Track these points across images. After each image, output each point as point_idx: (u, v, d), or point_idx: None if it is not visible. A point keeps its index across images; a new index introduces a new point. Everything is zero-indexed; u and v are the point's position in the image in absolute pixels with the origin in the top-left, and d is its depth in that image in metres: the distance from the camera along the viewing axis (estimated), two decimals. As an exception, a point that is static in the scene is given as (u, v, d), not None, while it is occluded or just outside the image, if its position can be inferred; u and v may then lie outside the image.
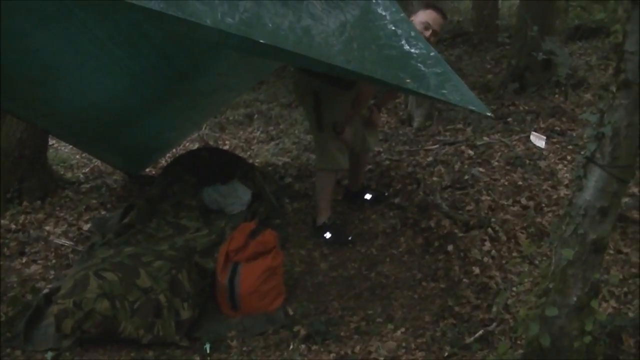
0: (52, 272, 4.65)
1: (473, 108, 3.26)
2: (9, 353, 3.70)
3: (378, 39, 2.91)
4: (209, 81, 5.04)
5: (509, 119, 7.03)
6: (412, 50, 3.15)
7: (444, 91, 3.17)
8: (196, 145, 7.21)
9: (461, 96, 3.23)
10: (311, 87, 4.68)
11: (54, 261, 4.79)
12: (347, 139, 4.81)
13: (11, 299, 4.14)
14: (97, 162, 6.69)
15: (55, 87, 4.42)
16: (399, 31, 3.13)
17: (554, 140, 6.35)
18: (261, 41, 2.69)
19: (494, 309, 3.87)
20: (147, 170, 6.48)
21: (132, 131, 5.34)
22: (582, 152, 4.21)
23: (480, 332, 3.68)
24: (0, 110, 5.18)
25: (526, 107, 7.35)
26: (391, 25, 3.10)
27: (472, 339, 3.64)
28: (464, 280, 4.23)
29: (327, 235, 4.93)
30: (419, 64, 3.14)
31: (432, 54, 3.20)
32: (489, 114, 3.14)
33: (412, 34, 3.18)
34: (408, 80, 3.03)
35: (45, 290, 4.25)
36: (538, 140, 3.12)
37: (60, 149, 7.06)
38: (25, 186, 5.58)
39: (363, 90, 4.69)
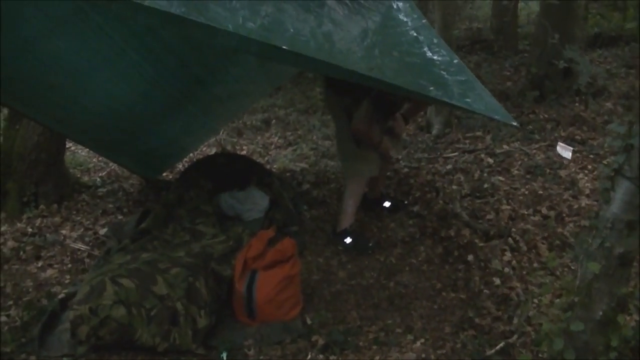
0: (68, 276, 4.62)
1: (497, 117, 3.20)
2: (24, 359, 3.67)
3: (400, 46, 2.86)
4: (226, 87, 5.01)
5: (529, 127, 6.96)
6: (435, 57, 3.10)
7: (468, 100, 3.11)
8: (213, 150, 7.19)
9: (485, 105, 3.18)
10: (343, 104, 4.71)
11: (69, 265, 4.77)
12: (383, 148, 4.83)
13: (26, 303, 4.12)
14: (113, 166, 6.67)
15: (72, 92, 4.40)
16: (421, 38, 3.08)
17: (575, 149, 6.26)
18: (283, 47, 2.66)
19: (515, 321, 3.81)
20: (164, 174, 6.44)
21: (149, 136, 5.31)
22: (605, 162, 4.13)
23: (502, 344, 3.62)
24: (17, 113, 5.17)
25: (546, 116, 7.29)
26: (413, 31, 3.05)
27: (493, 351, 3.58)
28: (485, 291, 4.17)
29: (348, 240, 4.89)
30: (441, 72, 3.09)
31: (455, 61, 3.15)
32: (514, 124, 3.09)
33: (435, 40, 3.13)
34: (431, 88, 2.98)
35: (61, 295, 4.22)
36: (564, 151, 3.05)
37: (77, 152, 7.05)
38: (42, 190, 5.56)
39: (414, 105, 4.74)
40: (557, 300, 3.93)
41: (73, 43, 3.86)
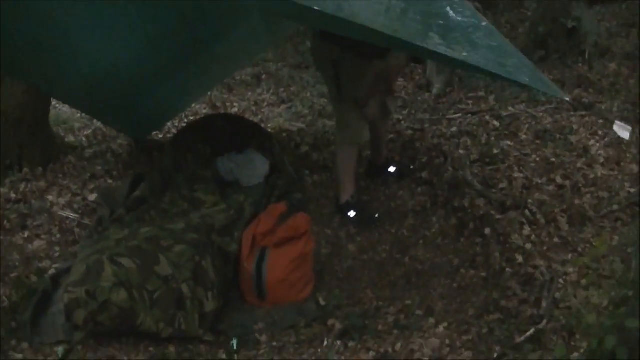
0: (57, 249, 4.30)
1: (546, 90, 2.93)
2: (15, 346, 3.38)
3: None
4: (227, 46, 4.66)
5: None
6: (459, 19, 2.83)
7: (508, 68, 2.84)
8: (204, 108, 6.83)
9: (530, 75, 2.91)
10: (330, 54, 4.31)
11: (58, 236, 4.44)
12: (369, 113, 4.47)
13: (15, 281, 3.79)
14: (98, 124, 6.29)
15: (64, 52, 4.05)
16: None
17: (583, 113, 6.07)
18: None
19: (544, 304, 3.57)
20: (153, 134, 6.09)
21: (143, 97, 4.96)
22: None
23: (532, 330, 3.37)
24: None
25: (550, 77, 6.94)
26: None
27: (523, 338, 3.33)
28: (507, 269, 3.91)
29: (352, 214, 4.60)
30: (470, 35, 2.82)
31: (483, 23, 2.89)
32: (566, 98, 2.83)
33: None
34: (464, 54, 2.71)
35: (52, 271, 3.93)
36: (622, 130, 2.77)
37: (61, 109, 6.62)
38: (26, 152, 5.18)
39: (394, 63, 4.33)
40: (583, 280, 3.73)
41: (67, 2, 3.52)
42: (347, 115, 4.49)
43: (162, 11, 3.79)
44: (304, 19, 3.33)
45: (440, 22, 2.71)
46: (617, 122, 2.84)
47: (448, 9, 2.80)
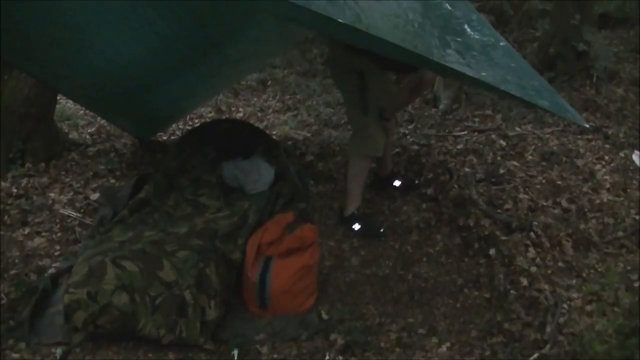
0: (58, 247, 4.24)
1: (567, 116, 2.90)
2: (12, 345, 3.32)
3: (437, 20, 2.68)
4: (240, 48, 4.62)
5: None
6: (477, 37, 2.81)
7: (528, 90, 2.82)
8: (209, 111, 6.78)
9: (550, 99, 2.88)
10: (355, 65, 4.26)
11: (59, 234, 4.38)
12: (390, 127, 4.43)
13: (14, 278, 3.73)
14: (102, 121, 6.24)
15: (77, 49, 3.99)
16: (458, 13, 2.79)
17: (590, 137, 6.06)
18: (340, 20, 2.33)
19: (548, 329, 3.52)
20: (157, 135, 6.04)
21: (151, 97, 4.91)
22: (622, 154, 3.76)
23: (535, 355, 3.33)
24: (6, 64, 4.74)
25: (558, 99, 6.98)
26: (447, 4, 2.79)
27: (526, 362, 3.29)
28: (512, 291, 3.87)
29: (356, 227, 4.57)
30: (490, 53, 2.79)
31: (501, 43, 2.86)
32: (586, 125, 2.79)
33: (473, 17, 2.85)
34: (483, 73, 2.69)
35: (51, 270, 3.88)
36: (641, 160, 2.75)
37: (65, 105, 6.56)
38: (30, 147, 5.14)
39: (426, 79, 4.29)
40: (587, 306, 3.70)
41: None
42: (370, 127, 4.43)
43: (176, 11, 3.73)
44: (323, 28, 3.27)
45: (458, 39, 2.67)
46: (635, 151, 2.82)
47: (466, 26, 2.77)
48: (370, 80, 4.27)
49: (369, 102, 4.33)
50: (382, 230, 4.57)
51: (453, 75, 3.15)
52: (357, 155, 4.56)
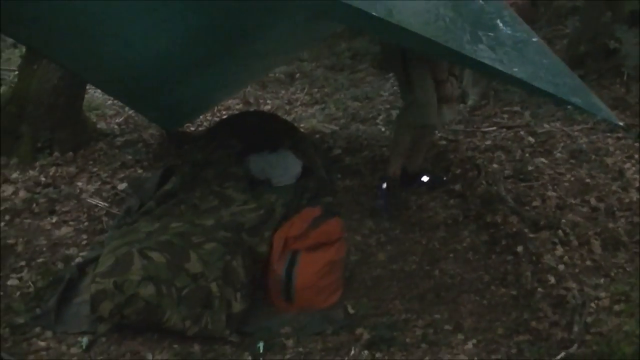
0: (85, 236, 4.27)
1: (601, 115, 2.86)
2: (39, 333, 3.33)
3: (468, 15, 2.66)
4: (269, 43, 4.60)
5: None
6: (510, 32, 2.77)
7: (561, 87, 2.78)
8: (237, 103, 6.78)
9: (582, 97, 2.84)
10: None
11: (86, 224, 4.41)
12: (448, 94, 4.60)
13: (41, 267, 3.75)
14: (131, 112, 6.27)
15: (106, 39, 4.00)
16: (489, 8, 2.76)
17: (619, 135, 5.96)
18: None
19: (576, 328, 3.48)
20: (185, 126, 6.06)
21: (179, 88, 4.91)
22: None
23: (562, 354, 3.28)
24: (35, 52, 4.76)
25: (589, 97, 6.90)
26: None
27: (553, 361, 3.24)
28: (539, 289, 3.81)
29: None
30: (522, 50, 2.76)
31: (533, 39, 2.82)
32: (620, 124, 2.75)
33: (505, 13, 2.81)
34: (515, 69, 2.65)
35: (78, 259, 3.89)
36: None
37: (93, 95, 6.61)
38: (58, 136, 5.18)
39: None
40: (615, 306, 3.65)
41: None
42: (426, 93, 4.54)
43: (208, 3, 3.73)
44: (355, 22, 3.26)
45: (490, 34, 2.64)
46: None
47: (498, 21, 2.74)
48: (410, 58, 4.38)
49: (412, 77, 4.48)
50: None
51: (485, 70, 3.12)
52: (404, 125, 4.73)
